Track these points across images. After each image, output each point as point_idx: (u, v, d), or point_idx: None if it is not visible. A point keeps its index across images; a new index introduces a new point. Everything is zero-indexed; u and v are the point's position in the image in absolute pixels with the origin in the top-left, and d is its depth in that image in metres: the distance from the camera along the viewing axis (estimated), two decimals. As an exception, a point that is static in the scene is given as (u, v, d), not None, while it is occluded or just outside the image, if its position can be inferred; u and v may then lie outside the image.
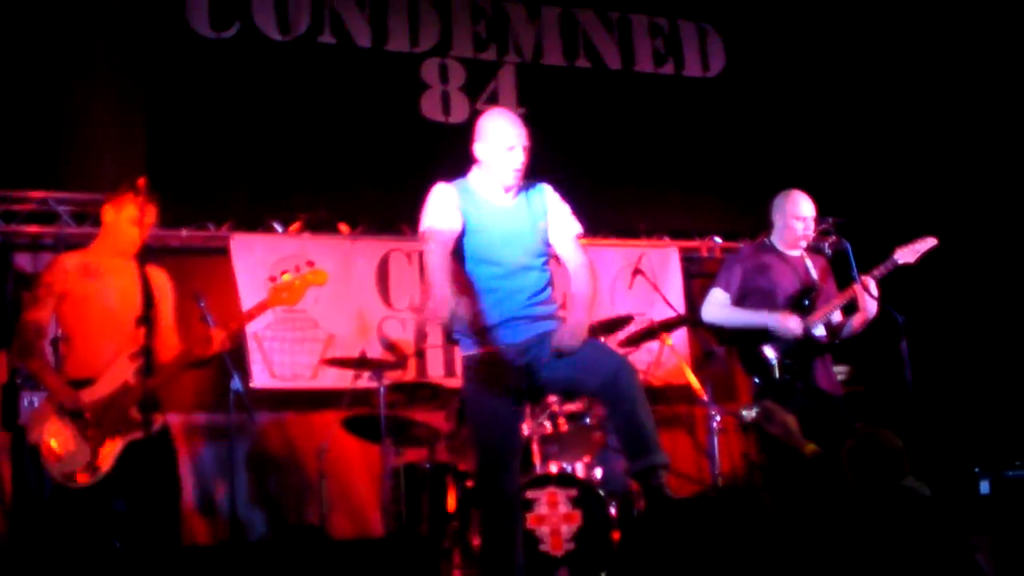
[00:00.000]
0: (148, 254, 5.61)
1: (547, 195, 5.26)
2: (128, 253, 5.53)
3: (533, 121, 8.16)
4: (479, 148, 5.15)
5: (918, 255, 6.05)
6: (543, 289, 5.16)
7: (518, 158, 5.07)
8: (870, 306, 6.06)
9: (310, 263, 5.74)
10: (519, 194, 5.20)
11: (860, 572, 4.74)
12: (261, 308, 5.78)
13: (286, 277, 5.65)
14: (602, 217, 8.49)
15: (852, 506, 4.91)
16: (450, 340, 5.53)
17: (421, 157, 8.10)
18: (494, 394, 5.06)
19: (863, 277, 6.01)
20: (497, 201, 5.16)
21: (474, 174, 5.20)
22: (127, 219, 5.52)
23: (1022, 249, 8.11)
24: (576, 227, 5.28)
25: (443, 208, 5.10)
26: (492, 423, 5.12)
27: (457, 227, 5.06)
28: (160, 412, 5.41)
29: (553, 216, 5.22)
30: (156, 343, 5.46)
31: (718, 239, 9.04)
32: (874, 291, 6.01)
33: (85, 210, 7.58)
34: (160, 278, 5.65)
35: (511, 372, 5.05)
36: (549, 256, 5.23)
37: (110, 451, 5.26)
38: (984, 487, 7.17)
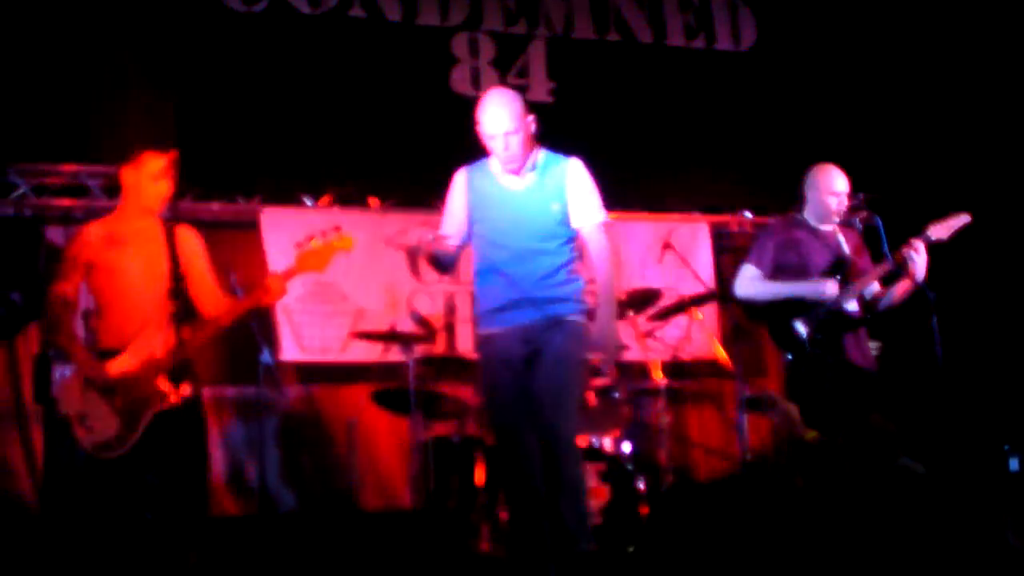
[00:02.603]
0: (175, 217, 5.52)
1: (569, 175, 5.21)
2: (154, 212, 5.44)
3: (564, 95, 8.34)
4: (480, 134, 5.19)
5: (951, 231, 5.97)
6: (556, 271, 5.15)
7: (501, 146, 5.07)
8: (918, 271, 5.97)
9: (336, 228, 5.64)
10: (536, 173, 5.19)
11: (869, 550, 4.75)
12: (289, 274, 5.71)
13: (313, 243, 5.53)
14: (632, 191, 8.48)
15: (850, 487, 4.92)
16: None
17: (451, 131, 8.05)
18: (496, 377, 5.13)
19: (912, 240, 5.93)
20: (508, 184, 5.20)
21: (491, 159, 5.26)
22: (148, 176, 5.42)
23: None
24: (598, 215, 5.22)
25: (451, 211, 5.32)
26: (497, 394, 5.16)
27: (460, 236, 5.27)
28: (190, 382, 5.32)
29: (574, 199, 5.19)
30: (202, 302, 5.47)
31: (748, 214, 9.01)
32: (924, 256, 5.93)
33: (116, 183, 7.56)
34: (189, 239, 5.56)
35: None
36: (570, 237, 5.21)
37: (139, 422, 5.23)
38: (1014, 464, 7.15)
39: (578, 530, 4.94)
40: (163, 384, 5.29)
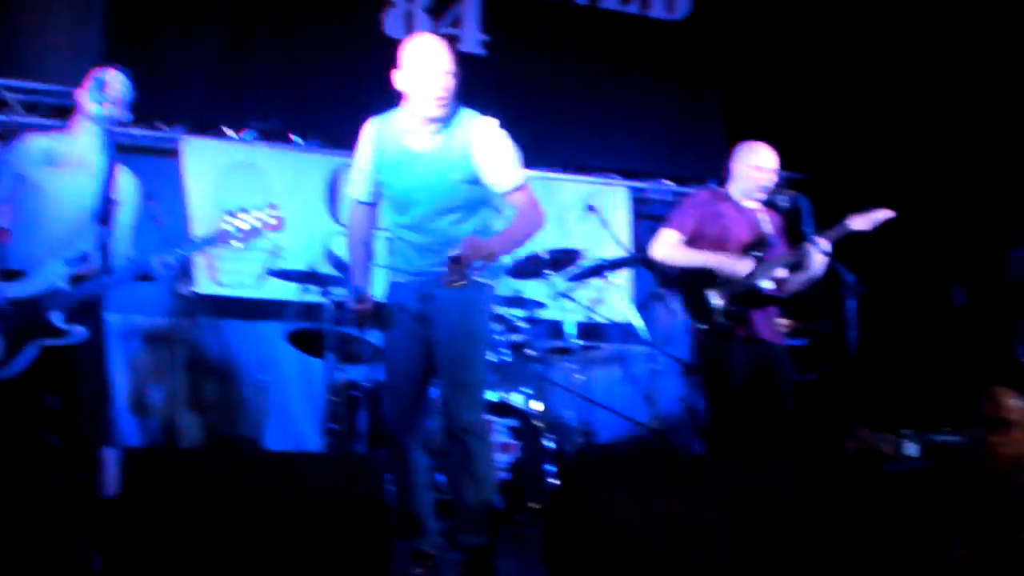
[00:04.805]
0: (118, 152, 5.25)
1: (476, 136, 4.77)
2: (99, 141, 5.21)
3: (495, 51, 8.32)
4: (398, 77, 4.80)
5: (873, 224, 6.05)
6: (455, 246, 4.58)
7: (439, 82, 4.69)
8: (818, 265, 6.09)
9: (273, 205, 5.48)
10: (445, 135, 4.80)
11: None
12: (209, 244, 5.45)
13: (242, 217, 5.31)
14: (556, 151, 8.53)
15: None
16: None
17: (380, 74, 7.98)
18: (391, 328, 4.97)
19: (815, 238, 6.03)
20: (413, 144, 4.81)
21: (399, 111, 4.89)
22: (107, 97, 5.21)
23: (974, 223, 8.18)
24: (509, 179, 4.80)
25: (358, 167, 4.96)
26: (391, 359, 5.02)
27: (369, 194, 4.96)
28: (90, 322, 5.15)
29: (486, 163, 4.77)
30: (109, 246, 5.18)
31: (667, 182, 9.08)
32: (826, 250, 6.03)
33: (37, 100, 7.51)
34: (127, 181, 5.41)
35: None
36: (479, 203, 4.86)
37: (22, 351, 5.10)
38: (913, 450, 7.32)
39: (477, 514, 4.84)
40: (57, 319, 5.15)
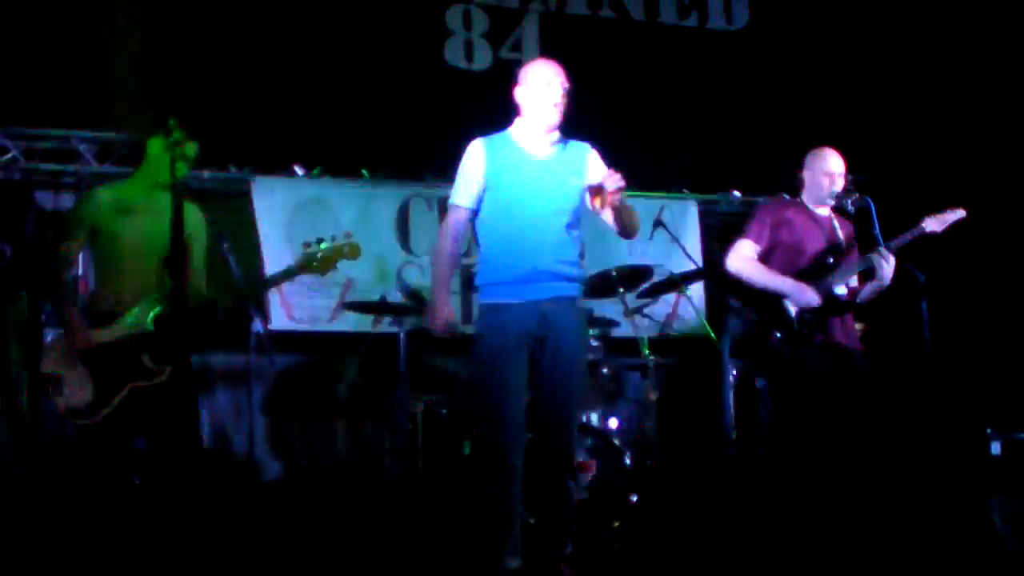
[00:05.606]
0: (185, 191, 5.29)
1: (588, 157, 5.26)
2: (168, 183, 5.19)
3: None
4: (519, 93, 5.20)
5: (946, 225, 6.02)
6: (569, 246, 5.16)
7: (557, 92, 5.10)
8: (885, 277, 6.05)
9: (348, 233, 5.61)
10: (558, 147, 5.22)
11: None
12: (287, 276, 5.70)
13: (323, 246, 5.51)
14: (622, 168, 8.45)
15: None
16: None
17: (443, 103, 8.11)
18: (505, 350, 5.06)
19: (882, 249, 5.99)
20: (533, 151, 5.18)
21: (515, 125, 5.26)
22: (173, 147, 5.28)
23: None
24: None
25: (467, 177, 5.20)
26: (503, 369, 5.07)
27: (474, 202, 5.18)
28: (176, 361, 5.26)
29: (595, 177, 5.15)
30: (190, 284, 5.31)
31: (737, 193, 9.03)
32: (892, 263, 6.00)
33: (107, 148, 7.65)
34: (196, 217, 5.57)
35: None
36: (579, 218, 5.20)
37: (114, 394, 5.24)
38: (996, 448, 7.21)
39: (568, 526, 5.06)
40: (147, 360, 5.27)
